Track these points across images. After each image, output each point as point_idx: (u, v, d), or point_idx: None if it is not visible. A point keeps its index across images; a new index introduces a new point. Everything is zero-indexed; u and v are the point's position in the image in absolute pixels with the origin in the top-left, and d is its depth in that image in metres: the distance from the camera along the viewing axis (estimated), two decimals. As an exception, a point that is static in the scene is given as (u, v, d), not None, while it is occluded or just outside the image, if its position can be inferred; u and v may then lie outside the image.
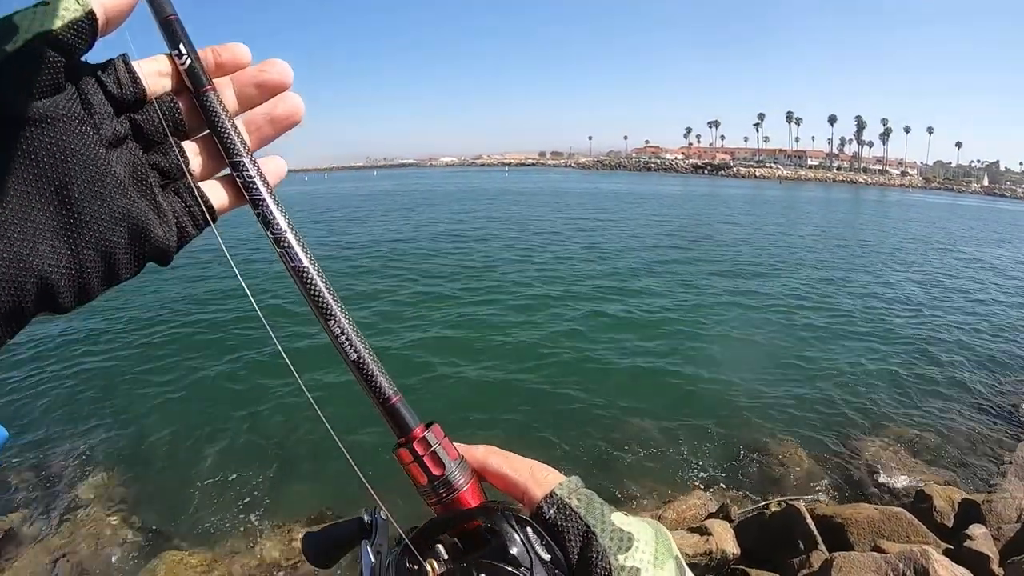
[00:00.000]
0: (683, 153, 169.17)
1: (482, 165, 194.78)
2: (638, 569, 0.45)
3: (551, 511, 0.49)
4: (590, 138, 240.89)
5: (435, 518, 0.51)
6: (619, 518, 0.48)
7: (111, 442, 7.34)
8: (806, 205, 52.21)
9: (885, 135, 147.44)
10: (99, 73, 0.43)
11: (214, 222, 0.49)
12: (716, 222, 31.67)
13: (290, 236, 0.49)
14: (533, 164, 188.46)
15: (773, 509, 5.58)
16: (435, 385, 9.02)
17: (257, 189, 0.48)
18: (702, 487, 6.56)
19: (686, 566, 0.47)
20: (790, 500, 5.84)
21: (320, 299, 0.49)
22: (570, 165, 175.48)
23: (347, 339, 0.49)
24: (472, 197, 48.20)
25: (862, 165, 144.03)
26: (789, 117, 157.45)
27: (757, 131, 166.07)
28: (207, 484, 6.47)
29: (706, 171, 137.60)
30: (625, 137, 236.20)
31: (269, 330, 0.53)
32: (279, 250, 0.48)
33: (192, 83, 0.46)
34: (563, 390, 8.77)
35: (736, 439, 7.46)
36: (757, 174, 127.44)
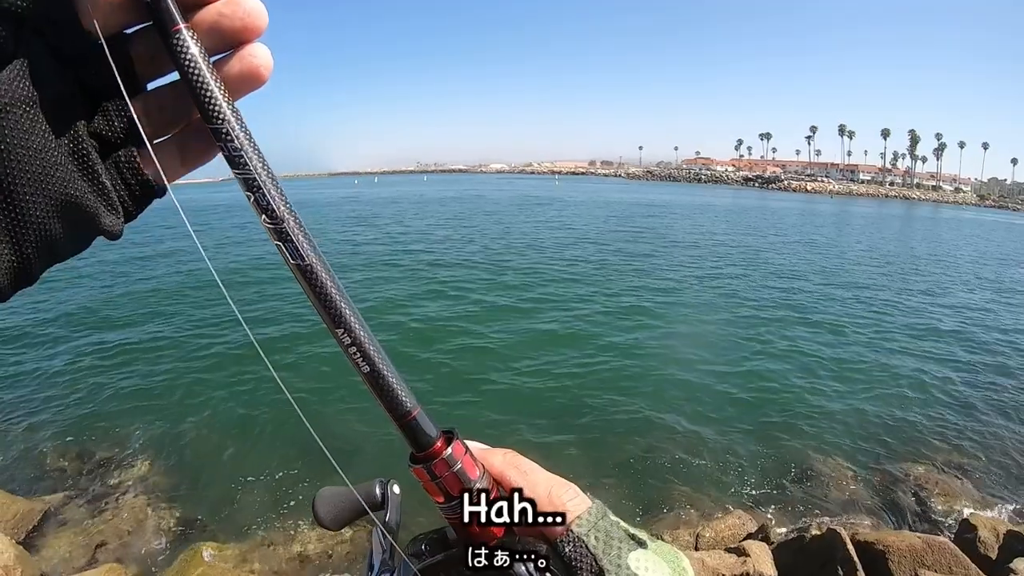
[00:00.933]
0: (734, 165, 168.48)
1: (532, 173, 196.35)
2: None
3: (567, 548, 0.47)
4: (640, 148, 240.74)
5: (451, 553, 0.50)
6: (636, 559, 0.47)
7: (155, 434, 7.59)
8: (858, 221, 51.80)
9: (939, 150, 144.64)
10: (44, 25, 0.35)
11: (162, 196, 0.43)
12: (766, 235, 32.06)
13: (291, 225, 0.41)
14: (583, 173, 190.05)
15: (813, 532, 5.59)
16: (480, 390, 9.25)
17: (247, 167, 0.39)
18: (742, 505, 6.51)
19: None
20: (831, 524, 5.86)
21: (329, 303, 0.42)
22: (620, 175, 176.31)
23: (358, 351, 0.43)
24: (525, 205, 48.55)
25: (915, 181, 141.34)
26: (841, 130, 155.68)
27: (809, 144, 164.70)
28: (244, 479, 6.62)
29: (756, 184, 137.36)
30: (676, 148, 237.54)
31: (251, 334, 0.53)
32: (277, 243, 0.41)
33: (159, 22, 0.37)
34: (608, 398, 8.87)
35: (781, 455, 7.41)
36: (808, 188, 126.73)
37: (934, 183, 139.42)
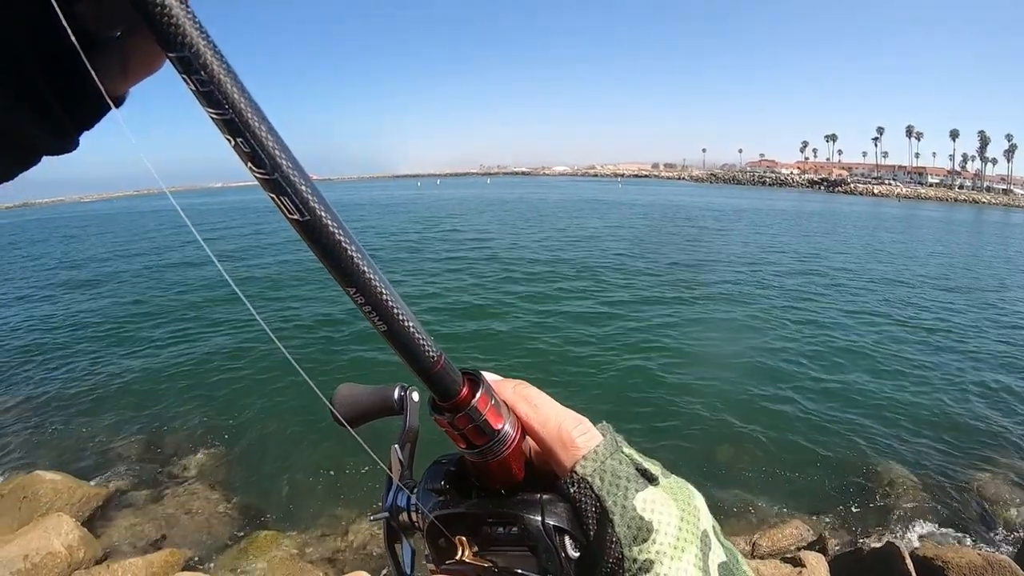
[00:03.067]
0: (799, 167, 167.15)
1: (595, 175, 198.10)
2: (651, 562, 0.43)
3: (571, 489, 0.46)
4: (704, 150, 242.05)
5: (465, 512, 0.50)
6: (643, 499, 0.45)
7: (216, 427, 7.74)
8: (928, 226, 49.74)
9: (1010, 152, 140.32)
10: None
11: (108, 110, 0.37)
12: (837, 240, 31.28)
13: (288, 173, 0.33)
14: (646, 176, 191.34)
15: (872, 545, 5.49)
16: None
17: (224, 105, 0.31)
18: (800, 514, 6.33)
19: (718, 539, 0.47)
20: (890, 537, 5.78)
21: (338, 259, 0.36)
22: (683, 178, 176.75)
23: (373, 309, 0.38)
24: (588, 208, 47.80)
25: (985, 184, 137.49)
26: (909, 131, 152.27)
27: (875, 146, 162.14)
28: (302, 471, 6.74)
29: (822, 187, 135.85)
30: (740, 150, 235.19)
31: (263, 324, 0.48)
32: (270, 195, 0.33)
33: None
34: (674, 398, 8.84)
35: (842, 463, 7.19)
36: (875, 191, 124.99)
37: (1004, 186, 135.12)
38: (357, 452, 6.34)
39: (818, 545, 5.77)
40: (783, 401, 8.82)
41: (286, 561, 5.18)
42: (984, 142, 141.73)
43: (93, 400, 8.75)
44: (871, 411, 8.54)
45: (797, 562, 5.09)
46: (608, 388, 9.29)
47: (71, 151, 0.38)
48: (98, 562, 5.09)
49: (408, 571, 0.58)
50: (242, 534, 5.70)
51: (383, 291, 0.38)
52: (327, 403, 0.58)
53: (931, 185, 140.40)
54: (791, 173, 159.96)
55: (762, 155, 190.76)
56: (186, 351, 10.98)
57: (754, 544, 5.95)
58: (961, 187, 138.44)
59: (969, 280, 20.47)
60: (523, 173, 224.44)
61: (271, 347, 10.15)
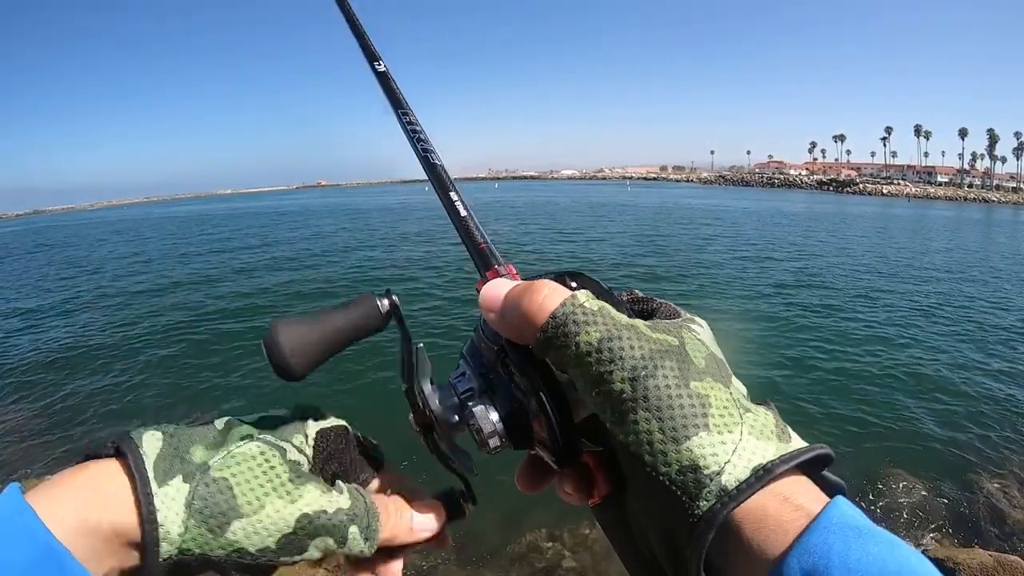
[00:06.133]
0: (807, 168, 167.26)
1: (603, 179, 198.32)
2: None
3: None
4: (712, 152, 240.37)
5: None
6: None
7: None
8: (939, 225, 47.95)
9: (1019, 149, 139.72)
10: None
11: None
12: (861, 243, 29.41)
13: (419, 126, 0.66)
14: (655, 178, 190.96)
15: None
16: None
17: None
18: None
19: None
20: (900, 539, 5.07)
21: (438, 177, 0.64)
22: (692, 180, 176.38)
23: (458, 199, 0.62)
24: (597, 212, 46.25)
25: (994, 182, 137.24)
26: (918, 131, 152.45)
27: (884, 145, 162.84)
28: None
29: (831, 187, 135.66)
30: (748, 152, 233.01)
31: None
32: (406, 124, 0.68)
33: None
34: None
35: (848, 462, 6.98)
36: (884, 191, 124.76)
37: (1014, 184, 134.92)
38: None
39: (824, 548, 5.87)
40: (788, 397, 8.51)
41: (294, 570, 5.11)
42: (993, 140, 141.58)
43: (91, 412, 8.69)
44: (877, 410, 8.35)
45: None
46: None
47: None
48: None
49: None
50: None
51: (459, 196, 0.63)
52: (266, 352, 0.48)
53: (940, 184, 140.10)
54: (800, 174, 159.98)
55: (771, 156, 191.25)
56: (187, 358, 10.80)
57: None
58: (971, 186, 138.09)
59: (986, 276, 20.42)
60: (531, 177, 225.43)
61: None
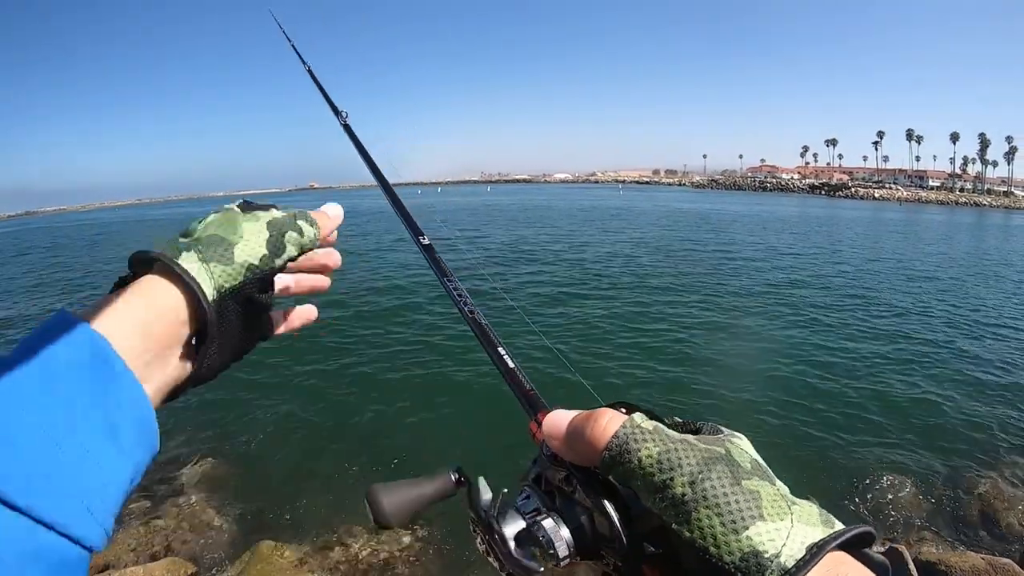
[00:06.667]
0: (799, 172, 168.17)
1: (596, 182, 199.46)
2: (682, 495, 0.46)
3: (608, 454, 0.51)
4: (704, 156, 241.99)
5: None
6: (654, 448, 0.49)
7: (220, 433, 7.79)
8: (931, 229, 48.01)
9: (1010, 154, 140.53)
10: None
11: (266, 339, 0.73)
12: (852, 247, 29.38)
13: (464, 295, 0.71)
14: (647, 182, 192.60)
15: (875, 550, 4.70)
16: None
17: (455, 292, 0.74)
18: None
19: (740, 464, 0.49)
20: (893, 543, 5.73)
21: (486, 335, 0.72)
22: (684, 184, 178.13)
23: (506, 353, 0.71)
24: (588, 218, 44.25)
25: (986, 186, 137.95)
26: (909, 135, 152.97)
27: (876, 150, 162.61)
28: (306, 481, 6.71)
29: (823, 191, 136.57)
30: (740, 156, 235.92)
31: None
32: (452, 290, 0.77)
33: None
34: (680, 394, 8.62)
35: (839, 465, 7.02)
36: (876, 195, 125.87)
37: (1005, 188, 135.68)
38: (359, 462, 6.88)
39: (817, 550, 5.90)
40: (774, 398, 8.55)
41: (288, 571, 5.25)
42: (984, 144, 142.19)
43: None
44: (872, 414, 8.31)
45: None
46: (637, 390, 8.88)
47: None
48: (99, 571, 5.09)
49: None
50: (245, 544, 5.69)
51: (504, 350, 0.72)
52: (370, 513, 0.60)
53: (932, 188, 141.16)
54: (792, 178, 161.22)
55: (763, 160, 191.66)
56: None
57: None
58: (962, 190, 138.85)
59: (975, 279, 20.62)
60: (524, 180, 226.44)
61: (274, 352, 9.87)
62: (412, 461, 6.74)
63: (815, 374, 9.74)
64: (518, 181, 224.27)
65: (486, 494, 0.58)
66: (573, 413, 0.57)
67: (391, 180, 1.17)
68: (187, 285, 0.57)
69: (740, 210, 59.93)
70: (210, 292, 0.58)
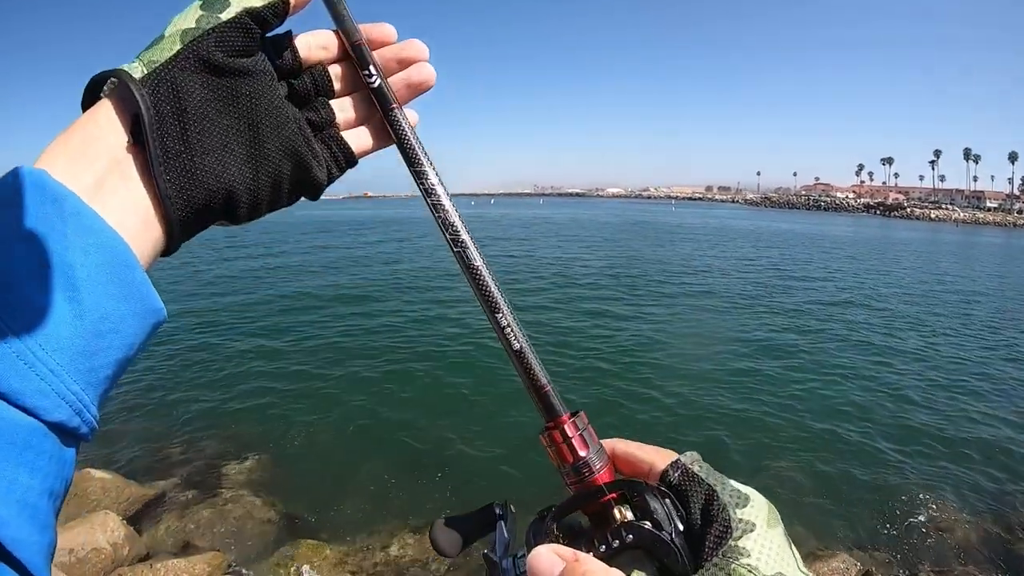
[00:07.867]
0: (854, 191, 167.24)
1: (648, 198, 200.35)
2: (753, 524, 0.46)
3: (676, 475, 0.52)
4: (758, 173, 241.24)
5: (579, 492, 0.54)
6: (736, 483, 0.51)
7: (266, 433, 7.73)
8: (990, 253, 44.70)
9: None
10: (273, 44, 0.54)
11: (354, 166, 0.60)
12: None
13: (465, 237, 0.57)
14: (700, 198, 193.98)
15: None
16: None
17: (436, 195, 0.57)
18: (846, 547, 5.92)
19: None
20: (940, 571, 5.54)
21: (489, 295, 0.56)
22: (737, 201, 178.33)
23: (511, 330, 0.56)
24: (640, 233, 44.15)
25: None
26: (967, 154, 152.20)
27: (932, 169, 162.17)
28: (349, 483, 6.68)
29: (878, 211, 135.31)
30: (794, 173, 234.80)
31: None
32: (456, 250, 0.57)
33: (380, 102, 0.57)
34: (725, 426, 8.10)
35: (890, 494, 6.78)
36: (932, 216, 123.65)
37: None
38: (404, 469, 6.73)
39: (867, 580, 5.45)
40: (827, 429, 8.24)
41: (327, 570, 5.27)
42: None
43: (151, 402, 8.64)
44: (920, 444, 8.05)
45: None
46: (659, 413, 8.54)
47: (319, 194, 0.59)
48: (141, 560, 5.16)
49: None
50: (285, 542, 5.65)
51: (514, 320, 0.57)
52: (437, 548, 0.60)
53: (990, 210, 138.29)
54: (847, 197, 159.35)
55: (817, 178, 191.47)
56: (248, 355, 10.66)
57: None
58: (1020, 211, 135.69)
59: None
60: (577, 194, 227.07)
61: (330, 356, 10.35)
62: (455, 477, 6.63)
63: (858, 398, 9.44)
64: (571, 195, 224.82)
65: (503, 536, 0.57)
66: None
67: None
68: (110, 80, 0.46)
69: (797, 228, 58.14)
70: (137, 73, 0.46)
